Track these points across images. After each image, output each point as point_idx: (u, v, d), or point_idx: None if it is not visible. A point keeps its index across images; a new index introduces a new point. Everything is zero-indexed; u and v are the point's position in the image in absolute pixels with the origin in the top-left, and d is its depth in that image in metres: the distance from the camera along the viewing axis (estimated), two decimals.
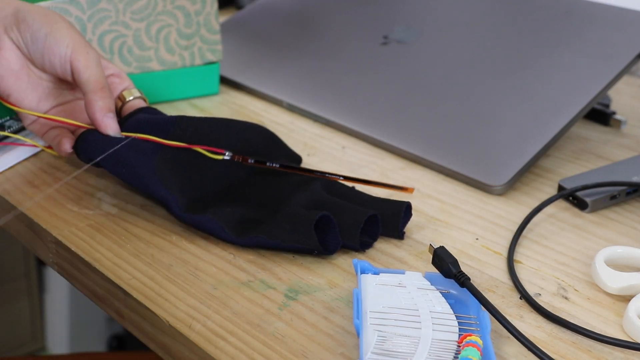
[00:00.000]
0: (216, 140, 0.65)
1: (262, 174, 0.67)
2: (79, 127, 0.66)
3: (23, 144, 0.72)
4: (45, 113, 0.67)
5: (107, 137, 0.63)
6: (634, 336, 0.53)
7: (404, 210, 0.63)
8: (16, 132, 0.73)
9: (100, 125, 0.63)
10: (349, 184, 0.67)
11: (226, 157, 0.64)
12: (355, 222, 0.60)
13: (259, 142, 0.68)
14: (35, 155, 0.73)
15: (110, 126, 0.63)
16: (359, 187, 0.68)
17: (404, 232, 0.63)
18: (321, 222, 0.59)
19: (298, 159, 0.72)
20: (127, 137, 0.63)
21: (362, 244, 0.61)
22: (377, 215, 0.61)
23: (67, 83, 0.68)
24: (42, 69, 0.65)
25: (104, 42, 0.79)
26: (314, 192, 0.63)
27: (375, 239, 0.62)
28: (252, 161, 0.65)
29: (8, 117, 0.73)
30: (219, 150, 0.64)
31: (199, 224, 0.61)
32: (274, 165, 0.65)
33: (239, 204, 0.63)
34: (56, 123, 0.67)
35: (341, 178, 0.66)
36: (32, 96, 0.67)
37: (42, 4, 0.73)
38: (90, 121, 0.64)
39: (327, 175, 0.66)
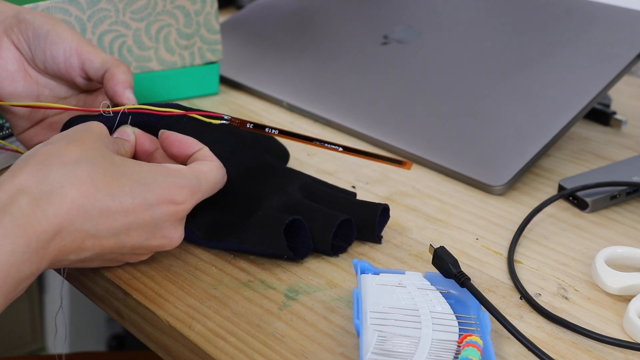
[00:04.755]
0: (210, 141, 0.64)
1: (240, 177, 0.66)
2: (68, 110, 0.64)
3: (9, 149, 0.70)
4: (36, 122, 0.67)
5: (100, 117, 0.61)
6: (634, 336, 0.53)
7: (379, 214, 0.61)
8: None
9: (121, 97, 0.62)
10: (348, 155, 0.65)
11: (224, 122, 0.62)
12: (328, 226, 0.59)
13: (248, 135, 0.67)
14: None
15: (131, 100, 0.62)
16: (354, 160, 0.66)
17: (382, 237, 0.62)
18: (293, 226, 0.58)
19: (286, 153, 0.71)
20: (119, 116, 0.61)
21: (336, 248, 0.60)
22: (351, 219, 0.60)
23: (63, 91, 0.68)
24: (44, 66, 0.65)
25: (104, 42, 0.79)
26: (289, 195, 0.62)
27: (350, 243, 0.61)
28: (251, 125, 0.63)
29: None
30: (216, 115, 0.62)
31: None
32: (272, 131, 0.63)
33: (212, 207, 0.62)
34: (45, 135, 0.67)
35: (340, 149, 0.64)
36: (24, 101, 0.66)
37: (41, 3, 0.73)
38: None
39: (326, 145, 0.64)
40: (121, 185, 0.51)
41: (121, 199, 0.51)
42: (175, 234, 0.55)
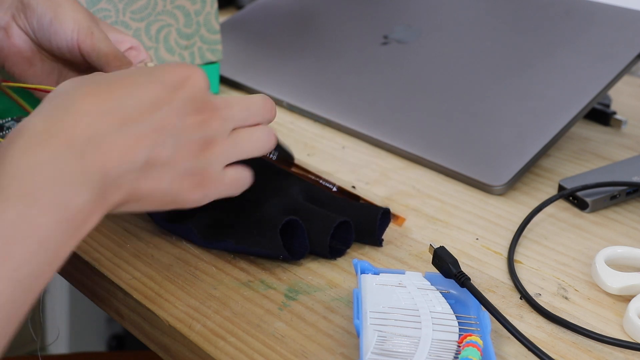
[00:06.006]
0: None
1: None
2: None
3: None
4: None
5: None
6: (634, 336, 0.53)
7: (379, 217, 0.61)
8: None
9: None
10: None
11: None
12: (325, 229, 0.58)
13: None
14: None
15: None
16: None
17: (382, 240, 0.62)
18: (290, 227, 0.58)
19: (290, 155, 0.71)
20: None
21: (334, 251, 0.60)
22: (349, 221, 0.60)
23: (82, 65, 0.67)
24: (52, 53, 0.65)
25: None
26: (289, 197, 0.62)
27: (348, 246, 0.61)
28: None
29: (9, 118, 0.73)
30: None
31: (170, 229, 0.62)
32: (271, 156, 0.64)
33: (212, 208, 0.62)
34: None
35: (334, 188, 0.65)
36: (48, 81, 0.66)
37: None
38: None
39: (321, 182, 0.65)
40: (131, 82, 0.48)
41: (138, 91, 0.48)
42: (214, 105, 0.51)
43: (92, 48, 0.62)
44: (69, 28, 0.62)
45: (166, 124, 0.48)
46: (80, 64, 0.66)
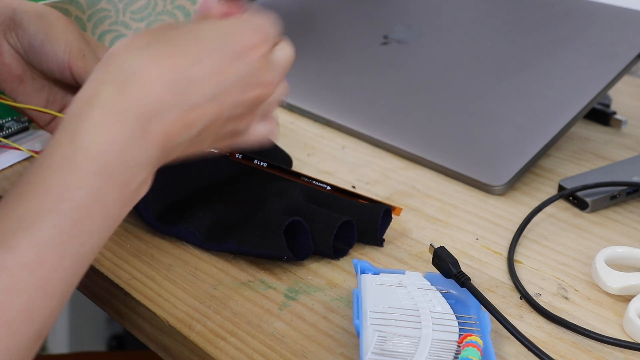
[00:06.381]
0: None
1: (244, 178, 0.66)
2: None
3: (12, 148, 0.70)
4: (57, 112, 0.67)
5: None
6: (634, 336, 0.53)
7: (380, 217, 0.61)
8: (16, 133, 0.72)
9: None
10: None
11: (212, 150, 0.62)
12: (328, 229, 0.58)
13: None
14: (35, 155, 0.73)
15: None
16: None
17: (384, 240, 0.62)
18: (293, 228, 0.58)
19: (288, 160, 0.71)
20: None
21: (337, 251, 0.60)
22: (352, 221, 0.60)
23: (73, 84, 0.67)
24: (42, 73, 0.65)
25: (104, 42, 0.79)
26: (290, 198, 0.62)
27: (351, 246, 0.61)
28: (240, 156, 0.63)
29: (9, 118, 0.73)
30: None
31: (171, 233, 0.61)
32: (261, 164, 0.63)
33: (213, 209, 0.62)
34: None
35: (328, 188, 0.65)
36: (38, 99, 0.66)
37: (41, 4, 0.73)
38: None
39: (314, 182, 0.65)
40: (200, 49, 0.48)
41: (205, 60, 0.48)
42: (271, 78, 0.51)
43: (84, 70, 0.62)
44: (60, 50, 0.62)
45: (226, 100, 0.48)
46: (71, 83, 0.66)
